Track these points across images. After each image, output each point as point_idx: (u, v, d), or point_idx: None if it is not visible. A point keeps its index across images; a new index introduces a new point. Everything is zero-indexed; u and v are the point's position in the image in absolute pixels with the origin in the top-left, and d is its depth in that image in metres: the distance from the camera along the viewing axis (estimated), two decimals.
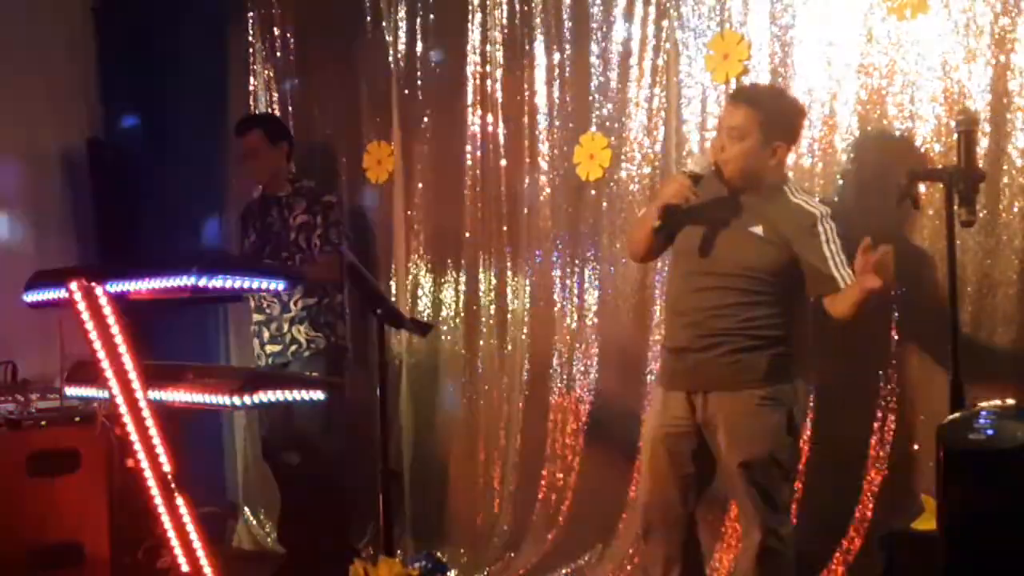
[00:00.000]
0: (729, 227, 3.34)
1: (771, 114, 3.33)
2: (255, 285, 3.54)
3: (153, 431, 3.57)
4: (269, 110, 5.41)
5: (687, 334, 3.37)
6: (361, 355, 4.87)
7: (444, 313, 4.87)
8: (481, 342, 4.77)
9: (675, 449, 3.40)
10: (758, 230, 3.30)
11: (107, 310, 3.56)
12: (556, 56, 4.50)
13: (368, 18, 5.08)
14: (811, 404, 3.80)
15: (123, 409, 3.58)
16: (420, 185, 4.96)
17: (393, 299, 4.84)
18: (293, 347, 4.66)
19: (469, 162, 4.78)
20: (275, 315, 4.69)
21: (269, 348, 4.71)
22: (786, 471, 3.33)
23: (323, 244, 4.63)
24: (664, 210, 3.31)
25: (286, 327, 4.67)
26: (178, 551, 3.60)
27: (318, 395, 3.68)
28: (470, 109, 4.77)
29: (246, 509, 5.56)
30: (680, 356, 3.40)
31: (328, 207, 4.69)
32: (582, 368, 4.43)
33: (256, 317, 4.78)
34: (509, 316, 4.67)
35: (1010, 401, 2.53)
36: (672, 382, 3.45)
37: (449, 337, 4.86)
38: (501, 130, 4.69)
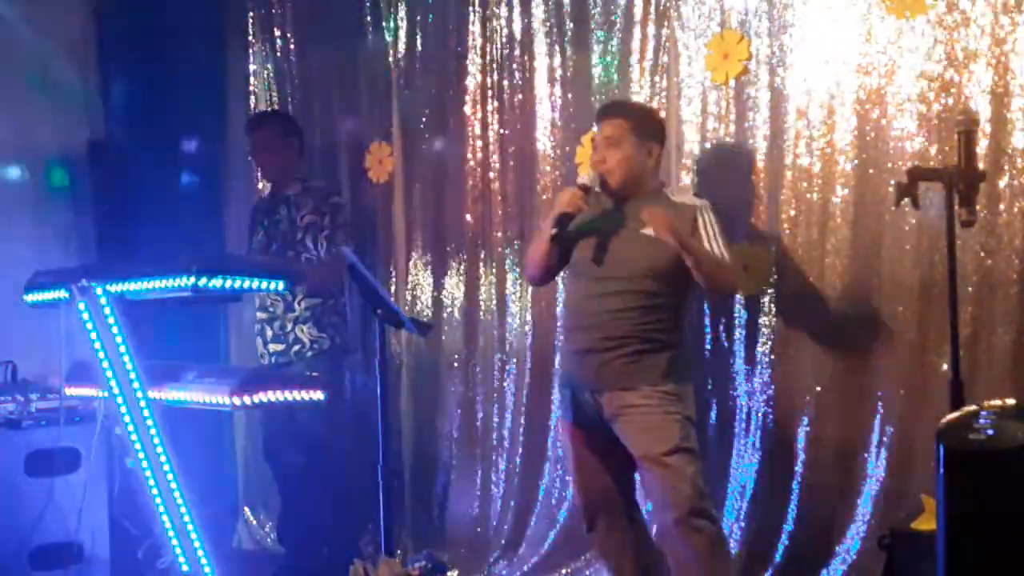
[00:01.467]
0: (621, 233, 3.53)
1: (639, 119, 3.61)
2: (254, 285, 3.55)
3: (153, 431, 3.58)
4: (251, 117, 5.41)
5: (591, 336, 3.51)
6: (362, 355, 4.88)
7: (444, 313, 4.88)
8: (481, 342, 4.77)
9: (594, 442, 3.56)
10: (648, 231, 3.44)
11: (107, 310, 3.57)
12: (556, 56, 4.50)
13: (368, 18, 5.08)
14: (811, 404, 3.82)
15: (123, 409, 3.60)
16: (420, 185, 4.96)
17: (393, 299, 4.84)
18: (296, 347, 4.65)
19: (469, 162, 4.78)
20: (279, 314, 4.68)
21: (272, 347, 4.71)
22: (698, 460, 3.43)
23: (329, 245, 4.61)
24: (559, 219, 3.47)
25: (289, 326, 4.66)
26: (178, 551, 3.61)
27: (318, 395, 3.68)
28: (470, 109, 4.77)
29: (246, 509, 5.57)
30: (584, 357, 3.53)
31: (336, 208, 4.67)
32: None
33: (260, 315, 4.77)
34: (509, 316, 4.67)
35: (1010, 401, 2.52)
36: (576, 381, 3.58)
37: (449, 337, 4.86)
38: (501, 130, 4.69)
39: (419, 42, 4.94)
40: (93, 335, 3.58)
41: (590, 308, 3.54)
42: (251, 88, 5.54)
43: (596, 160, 3.59)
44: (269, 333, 4.71)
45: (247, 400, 3.50)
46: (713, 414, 4.03)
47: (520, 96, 4.62)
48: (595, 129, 3.67)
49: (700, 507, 3.34)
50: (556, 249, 3.57)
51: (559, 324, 4.24)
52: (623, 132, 3.54)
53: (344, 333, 4.74)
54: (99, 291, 3.57)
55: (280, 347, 4.68)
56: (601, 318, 3.49)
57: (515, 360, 4.65)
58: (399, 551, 4.59)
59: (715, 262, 3.41)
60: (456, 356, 4.85)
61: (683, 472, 3.34)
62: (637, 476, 3.58)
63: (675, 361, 3.46)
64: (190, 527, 3.62)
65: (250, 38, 5.54)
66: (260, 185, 5.50)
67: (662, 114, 4.00)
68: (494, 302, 4.72)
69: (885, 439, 3.67)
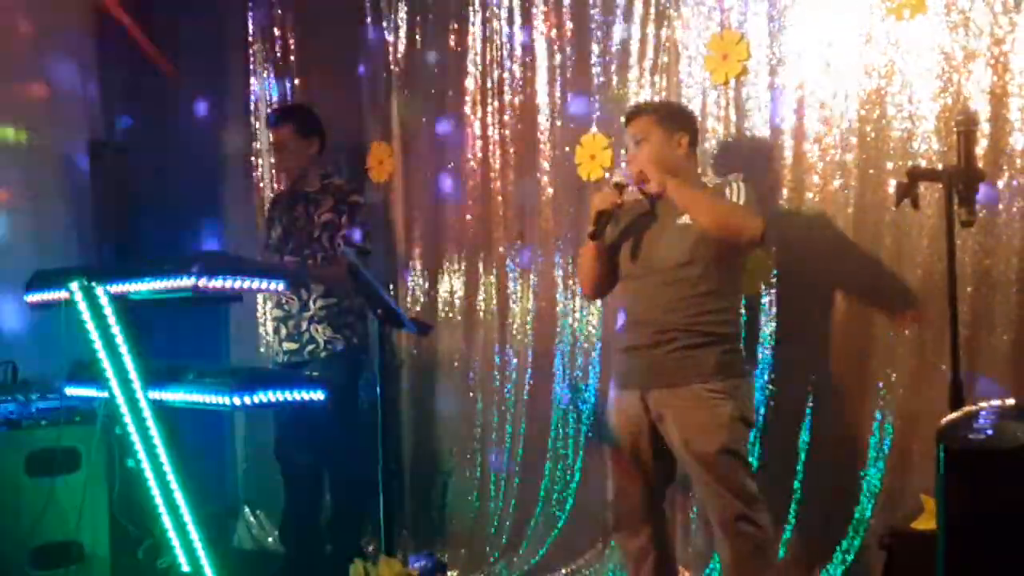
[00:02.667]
0: (660, 227, 3.50)
1: (663, 112, 3.59)
2: (255, 285, 3.55)
3: (153, 431, 3.58)
4: (269, 110, 5.41)
5: (639, 333, 3.48)
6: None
7: (444, 313, 4.88)
8: (481, 342, 4.77)
9: (636, 446, 3.52)
10: (685, 219, 3.42)
11: (108, 310, 3.57)
12: (557, 56, 4.50)
13: (368, 18, 5.08)
14: (811, 404, 3.82)
15: (123, 409, 3.59)
16: (420, 185, 4.96)
17: (394, 299, 4.84)
18: (310, 347, 4.62)
19: (469, 162, 4.78)
20: (293, 312, 4.66)
21: (287, 345, 4.68)
22: (745, 461, 3.42)
23: (345, 245, 4.57)
24: (597, 218, 3.45)
25: (304, 325, 4.63)
26: (178, 551, 3.61)
27: (318, 395, 3.68)
28: (470, 109, 4.77)
29: (246, 509, 5.57)
30: (632, 355, 3.51)
31: (354, 207, 4.62)
32: (583, 368, 4.43)
33: (275, 312, 4.76)
34: (509, 316, 4.67)
35: (1010, 401, 2.53)
36: (626, 381, 3.55)
37: (449, 337, 4.86)
38: (501, 130, 4.69)
39: (419, 42, 4.94)
40: (93, 335, 3.58)
41: (636, 306, 3.51)
42: (251, 88, 5.54)
43: (631, 166, 3.53)
44: (284, 331, 4.69)
45: (247, 400, 3.49)
46: None
47: (520, 96, 4.62)
48: (625, 132, 3.63)
49: (743, 512, 3.31)
50: (603, 255, 3.56)
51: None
52: (649, 125, 3.52)
53: (362, 333, 4.69)
54: (100, 291, 3.57)
55: (294, 346, 4.66)
56: (647, 314, 3.45)
57: (515, 360, 4.65)
58: (399, 550, 4.58)
59: (712, 201, 3.36)
60: (456, 356, 4.85)
61: (727, 476, 3.32)
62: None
63: (726, 356, 3.40)
64: (190, 527, 3.62)
65: (250, 38, 5.54)
66: (262, 184, 5.51)
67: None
68: (494, 302, 4.72)
69: (885, 439, 3.68)
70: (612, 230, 3.58)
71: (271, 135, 4.84)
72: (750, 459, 3.63)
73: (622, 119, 3.76)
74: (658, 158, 3.47)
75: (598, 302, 4.33)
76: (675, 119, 3.57)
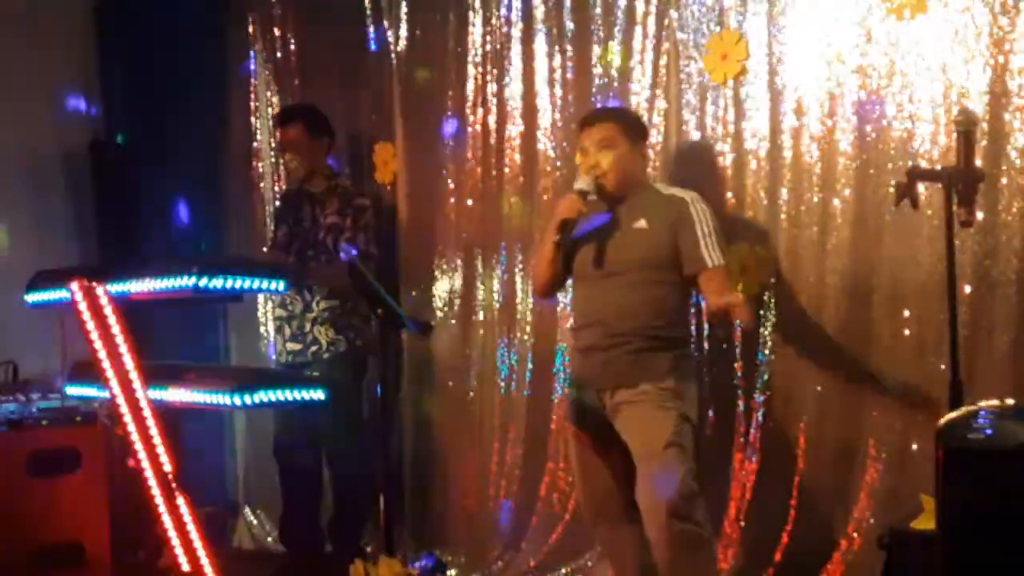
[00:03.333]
0: (618, 231, 3.58)
1: (627, 121, 3.69)
2: (255, 285, 3.55)
3: (153, 431, 3.58)
4: (269, 110, 5.42)
5: (595, 333, 3.56)
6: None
7: (444, 313, 4.88)
8: (481, 342, 4.77)
9: (597, 444, 3.59)
10: (642, 224, 3.53)
11: (108, 310, 3.57)
12: (557, 56, 4.50)
13: (369, 18, 5.08)
14: (811, 404, 3.82)
15: (123, 409, 3.60)
16: (421, 185, 4.96)
17: (395, 299, 4.84)
18: (313, 348, 4.62)
19: (469, 162, 4.79)
20: (297, 313, 4.65)
21: (290, 346, 4.68)
22: (690, 460, 3.41)
23: (347, 245, 4.54)
24: (561, 225, 3.52)
25: (308, 326, 4.63)
26: (178, 551, 3.61)
27: (318, 395, 3.68)
28: (470, 109, 4.77)
29: (246, 509, 5.57)
30: (588, 355, 3.59)
31: (361, 210, 4.62)
32: None
33: (279, 312, 4.75)
34: (509, 316, 4.67)
35: (1009, 401, 2.53)
36: (583, 382, 3.63)
37: (449, 337, 4.86)
38: (501, 130, 4.68)
39: (419, 42, 4.94)
40: (93, 335, 3.58)
41: (593, 307, 3.59)
42: (251, 88, 5.54)
43: (588, 165, 3.60)
44: (287, 332, 4.69)
45: (247, 400, 3.50)
46: (713, 414, 4.02)
47: (520, 96, 4.62)
48: (582, 136, 3.67)
49: (682, 508, 3.31)
50: (560, 258, 3.63)
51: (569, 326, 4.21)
52: (615, 134, 3.59)
53: (366, 334, 4.68)
54: (100, 291, 3.57)
55: (298, 346, 4.65)
56: (604, 315, 3.53)
57: (515, 360, 4.65)
58: (399, 551, 4.58)
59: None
60: (456, 356, 4.85)
61: (671, 468, 3.33)
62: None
63: (678, 360, 3.50)
64: (190, 527, 3.62)
65: (250, 38, 5.54)
66: (261, 184, 5.51)
67: (645, 117, 4.09)
68: (494, 302, 4.72)
69: (884, 439, 3.68)
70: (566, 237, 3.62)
71: (280, 134, 4.82)
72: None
73: (575, 125, 3.84)
74: (623, 167, 3.58)
75: None
76: (637, 130, 3.69)
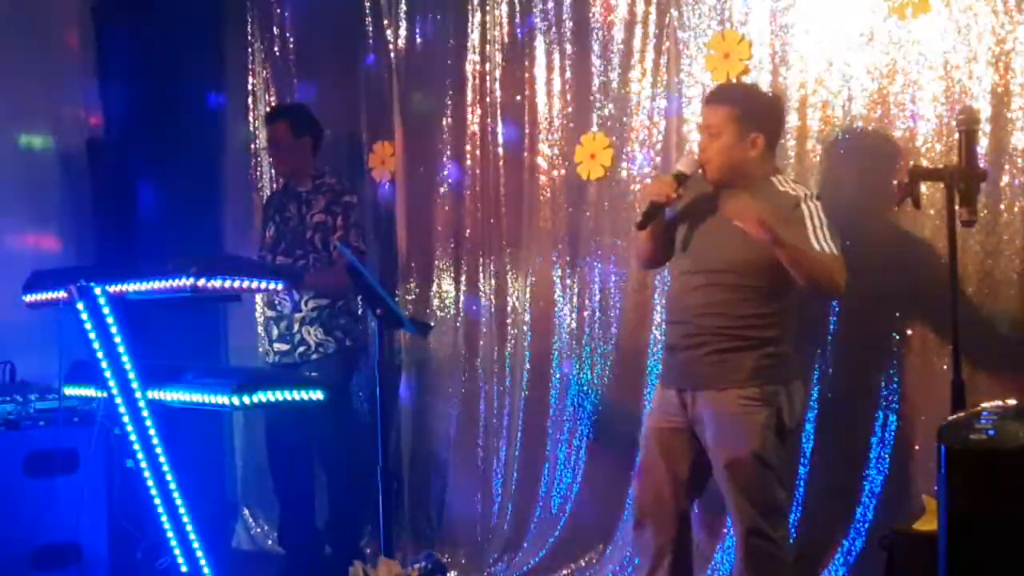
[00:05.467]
0: (714, 223, 3.37)
1: (745, 108, 3.38)
2: (254, 285, 3.54)
3: (153, 431, 3.58)
4: (268, 110, 5.41)
5: (677, 332, 3.43)
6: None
7: (444, 313, 4.87)
8: (481, 342, 4.77)
9: (668, 445, 3.45)
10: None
11: (107, 310, 3.57)
12: (556, 56, 4.49)
13: (368, 18, 5.07)
14: (813, 404, 3.81)
15: (123, 409, 3.59)
16: (420, 185, 4.95)
17: (394, 299, 4.83)
18: (301, 348, 4.62)
19: (469, 162, 4.78)
20: (285, 313, 4.65)
21: (277, 346, 4.68)
22: (774, 471, 3.30)
23: (341, 245, 4.54)
24: (648, 209, 3.35)
25: (296, 327, 4.62)
26: (177, 551, 3.60)
27: (318, 395, 3.67)
28: (470, 109, 4.76)
29: (246, 509, 5.56)
30: (671, 354, 3.47)
31: (349, 208, 4.62)
32: (582, 368, 4.42)
33: (267, 313, 4.74)
34: (509, 316, 4.66)
35: (1011, 401, 2.52)
36: (665, 379, 3.52)
37: (449, 337, 4.85)
38: (501, 130, 4.68)
39: (419, 42, 4.93)
40: (92, 335, 3.57)
41: (679, 303, 3.45)
42: (251, 88, 5.53)
43: (700, 147, 3.44)
44: (275, 332, 4.68)
45: (247, 400, 3.49)
46: None
47: (520, 96, 4.61)
48: (702, 111, 3.52)
49: (758, 526, 3.25)
50: (658, 238, 3.47)
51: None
52: (725, 121, 3.34)
53: (354, 334, 4.69)
54: (98, 291, 3.57)
55: (285, 347, 4.65)
56: (687, 314, 3.37)
57: (515, 360, 4.64)
58: (399, 552, 4.57)
59: (813, 258, 3.17)
60: (456, 356, 4.84)
61: (751, 486, 3.26)
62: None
63: (766, 360, 3.29)
64: (189, 527, 3.61)
65: (250, 38, 5.53)
66: (261, 184, 5.50)
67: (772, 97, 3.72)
68: (494, 302, 4.72)
69: (886, 439, 3.67)
70: (670, 210, 3.45)
71: (267, 134, 4.85)
72: (782, 469, 3.44)
73: (702, 99, 3.64)
74: (727, 158, 3.36)
75: (596, 294, 4.37)
76: (754, 117, 3.37)
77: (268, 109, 5.28)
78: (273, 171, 5.27)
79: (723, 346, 3.30)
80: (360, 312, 4.78)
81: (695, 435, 3.39)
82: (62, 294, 3.63)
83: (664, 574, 3.47)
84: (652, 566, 3.48)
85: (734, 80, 3.94)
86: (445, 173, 4.86)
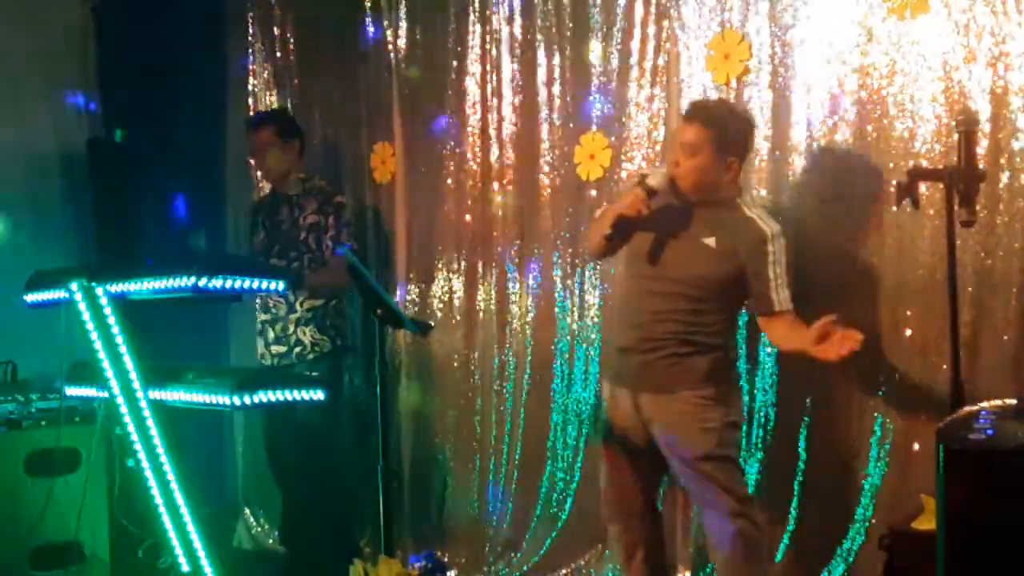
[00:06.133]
0: (682, 237, 3.47)
1: (723, 132, 3.44)
2: (255, 286, 3.55)
3: (153, 431, 3.58)
4: (250, 117, 5.40)
5: (633, 335, 3.51)
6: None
7: (444, 313, 4.87)
8: (481, 342, 4.77)
9: (627, 442, 3.56)
10: (711, 242, 3.42)
11: (107, 310, 3.57)
12: (556, 56, 4.49)
13: (368, 18, 5.08)
14: (812, 404, 3.82)
15: (123, 409, 3.59)
16: (420, 185, 4.96)
17: (395, 299, 4.84)
18: (298, 348, 4.64)
19: (469, 162, 4.78)
20: (281, 315, 4.67)
21: (274, 348, 4.70)
22: (736, 463, 3.46)
23: (335, 247, 4.58)
24: (617, 221, 3.42)
25: (292, 328, 4.65)
26: (178, 551, 3.61)
27: (318, 395, 3.68)
28: (470, 109, 4.76)
29: (246, 509, 5.56)
30: (625, 356, 3.54)
31: (340, 208, 4.66)
32: (582, 368, 4.43)
33: (262, 316, 4.76)
34: (509, 316, 4.67)
35: (1010, 401, 2.52)
36: (618, 379, 3.60)
37: (449, 337, 4.85)
38: (501, 130, 4.68)
39: (419, 42, 4.94)
40: (93, 335, 3.58)
41: (636, 306, 3.53)
42: (251, 88, 5.54)
43: (671, 160, 3.51)
44: (271, 334, 4.71)
45: (247, 400, 3.49)
46: None
47: (520, 96, 4.62)
48: (679, 126, 3.56)
49: (740, 510, 3.38)
50: (618, 242, 3.52)
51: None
52: (703, 142, 3.40)
53: (345, 333, 4.74)
54: (99, 291, 3.57)
55: (282, 348, 4.67)
56: (645, 317, 3.48)
57: (515, 360, 4.65)
58: (399, 551, 4.58)
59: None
60: (456, 356, 4.85)
61: (720, 477, 3.38)
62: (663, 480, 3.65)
63: (716, 364, 3.44)
64: (190, 527, 3.61)
65: (250, 38, 5.53)
66: (260, 184, 5.50)
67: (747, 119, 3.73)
68: (494, 302, 4.72)
69: (885, 439, 3.67)
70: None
71: (251, 140, 4.83)
72: (741, 459, 3.69)
73: (683, 111, 3.65)
74: (701, 177, 3.43)
75: (595, 294, 4.38)
76: (730, 143, 3.44)
77: (249, 116, 5.28)
78: (261, 175, 5.25)
79: (679, 351, 3.42)
80: (348, 312, 4.80)
81: (648, 430, 3.50)
82: (63, 294, 3.64)
83: (637, 568, 3.61)
84: (625, 561, 3.64)
85: (725, 87, 3.97)
86: (445, 173, 4.87)
